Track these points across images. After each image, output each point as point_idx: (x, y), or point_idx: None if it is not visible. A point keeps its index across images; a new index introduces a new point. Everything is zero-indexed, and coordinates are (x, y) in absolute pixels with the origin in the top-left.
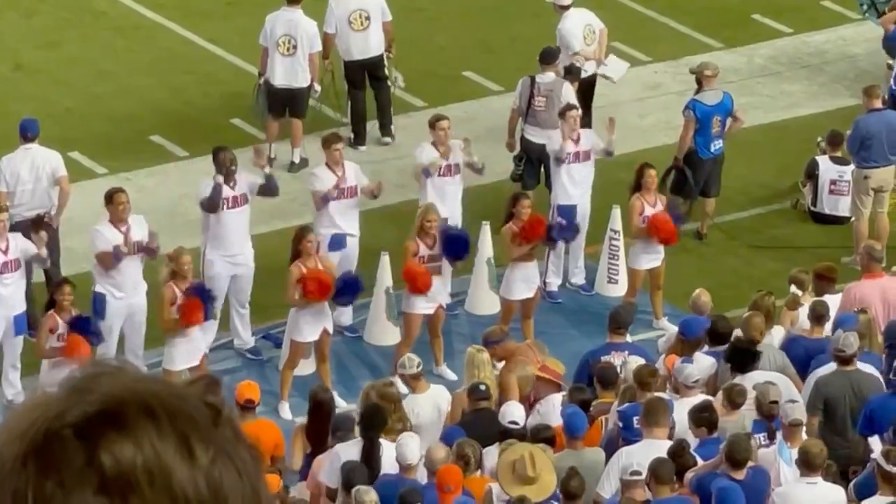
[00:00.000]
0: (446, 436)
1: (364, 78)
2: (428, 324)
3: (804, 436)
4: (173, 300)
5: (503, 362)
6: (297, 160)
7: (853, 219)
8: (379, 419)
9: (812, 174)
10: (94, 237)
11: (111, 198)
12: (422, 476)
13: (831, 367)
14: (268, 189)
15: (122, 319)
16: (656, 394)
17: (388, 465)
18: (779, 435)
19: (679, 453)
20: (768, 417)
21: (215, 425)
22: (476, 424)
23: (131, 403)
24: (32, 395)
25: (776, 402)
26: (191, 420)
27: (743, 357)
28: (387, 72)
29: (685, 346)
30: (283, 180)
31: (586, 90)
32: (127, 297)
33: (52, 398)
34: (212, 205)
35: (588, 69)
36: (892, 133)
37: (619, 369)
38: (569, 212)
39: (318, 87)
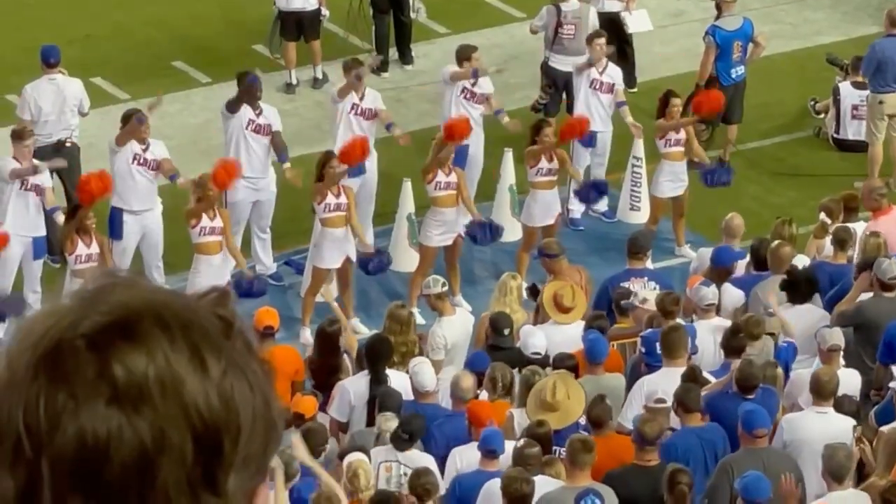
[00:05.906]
0: (472, 362)
1: (389, 3)
2: (445, 254)
3: (842, 361)
4: (197, 220)
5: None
6: (319, 76)
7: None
8: (383, 350)
9: (834, 100)
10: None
11: (129, 120)
12: (445, 402)
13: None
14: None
15: (137, 238)
16: (674, 321)
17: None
18: (816, 360)
19: (692, 377)
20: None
21: (227, 337)
22: (495, 355)
23: (144, 314)
24: (46, 305)
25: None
26: (203, 332)
27: (801, 287)
28: (411, 1)
29: (713, 273)
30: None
31: (610, 27)
32: (141, 212)
33: (64, 308)
34: (233, 104)
35: (608, 6)
36: None
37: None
38: (589, 138)
39: (325, 12)
